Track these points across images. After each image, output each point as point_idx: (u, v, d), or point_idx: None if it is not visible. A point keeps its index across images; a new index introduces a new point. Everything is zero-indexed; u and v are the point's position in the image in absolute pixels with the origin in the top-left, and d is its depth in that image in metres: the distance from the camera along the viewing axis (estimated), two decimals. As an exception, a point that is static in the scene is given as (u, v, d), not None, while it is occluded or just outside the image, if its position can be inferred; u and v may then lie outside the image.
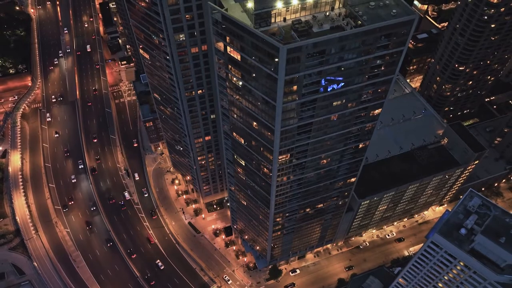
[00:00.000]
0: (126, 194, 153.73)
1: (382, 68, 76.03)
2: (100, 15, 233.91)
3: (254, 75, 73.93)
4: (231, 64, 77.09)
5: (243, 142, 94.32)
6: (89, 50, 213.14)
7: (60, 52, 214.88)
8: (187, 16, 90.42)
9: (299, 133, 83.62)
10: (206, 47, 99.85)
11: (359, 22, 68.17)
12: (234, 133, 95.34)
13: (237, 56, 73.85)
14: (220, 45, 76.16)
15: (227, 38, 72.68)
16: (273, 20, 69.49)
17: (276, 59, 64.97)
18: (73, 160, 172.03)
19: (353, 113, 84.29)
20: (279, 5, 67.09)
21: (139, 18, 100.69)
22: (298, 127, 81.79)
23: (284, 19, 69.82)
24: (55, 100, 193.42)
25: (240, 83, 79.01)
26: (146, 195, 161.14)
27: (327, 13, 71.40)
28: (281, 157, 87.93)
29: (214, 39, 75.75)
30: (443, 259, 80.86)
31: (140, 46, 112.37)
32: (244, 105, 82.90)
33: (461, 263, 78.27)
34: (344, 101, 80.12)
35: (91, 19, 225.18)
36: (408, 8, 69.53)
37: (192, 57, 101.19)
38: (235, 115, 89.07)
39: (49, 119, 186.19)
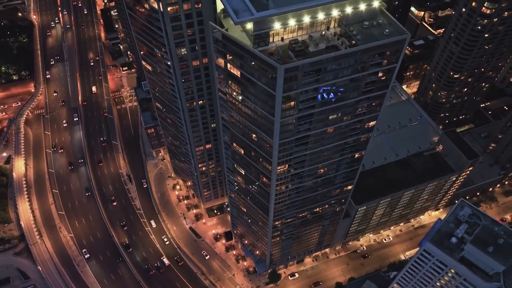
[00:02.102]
0: (165, 260, 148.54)
1: (376, 84, 79.30)
2: (101, 21, 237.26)
3: (253, 91, 77.16)
4: (231, 79, 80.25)
5: (242, 152, 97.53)
6: (92, 63, 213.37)
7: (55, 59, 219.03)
8: (188, 31, 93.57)
9: (297, 145, 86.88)
10: (207, 60, 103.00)
11: (353, 41, 71.42)
12: (234, 144, 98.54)
13: (237, 73, 77.05)
14: (221, 61, 79.25)
15: (227, 55, 75.84)
16: (271, 39, 72.65)
17: (274, 78, 68.26)
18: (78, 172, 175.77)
19: (348, 125, 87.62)
20: (277, 26, 70.19)
21: (142, 32, 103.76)
22: (296, 139, 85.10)
23: (282, 39, 73.01)
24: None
25: (240, 97, 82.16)
26: (168, 242, 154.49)
27: (323, 32, 74.58)
28: (279, 167, 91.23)
29: (215, 55, 78.88)
30: (435, 266, 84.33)
31: (141, 53, 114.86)
32: (243, 118, 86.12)
33: (452, 271, 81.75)
34: (339, 114, 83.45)
35: (97, 57, 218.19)
36: (401, 27, 72.78)
37: (193, 70, 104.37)
38: (235, 127, 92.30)
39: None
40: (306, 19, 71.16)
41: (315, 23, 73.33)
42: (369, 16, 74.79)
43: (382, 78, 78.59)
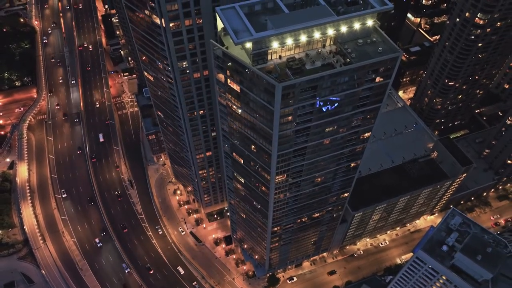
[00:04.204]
0: None
1: (370, 98, 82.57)
2: (102, 26, 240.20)
3: (252, 105, 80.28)
4: (231, 94, 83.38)
5: (242, 162, 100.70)
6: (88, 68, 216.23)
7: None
8: (189, 46, 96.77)
9: (294, 156, 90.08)
10: (208, 72, 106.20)
11: (348, 59, 74.58)
12: (234, 153, 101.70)
13: (237, 88, 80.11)
14: (221, 76, 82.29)
15: (227, 71, 79.00)
16: (269, 57, 75.63)
17: (273, 94, 71.47)
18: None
19: (344, 137, 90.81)
20: (275, 45, 73.25)
21: (144, 44, 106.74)
22: (294, 151, 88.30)
23: (280, 57, 76.01)
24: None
25: (239, 111, 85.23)
26: (197, 287, 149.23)
27: (319, 50, 77.64)
28: (278, 177, 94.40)
29: (215, 71, 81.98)
30: (427, 273, 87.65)
31: (143, 59, 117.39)
32: (243, 130, 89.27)
33: (444, 277, 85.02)
34: (335, 127, 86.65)
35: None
36: (393, 45, 75.97)
37: (194, 81, 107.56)
38: (234, 138, 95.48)
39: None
40: (303, 38, 74.20)
41: (311, 41, 76.25)
42: (363, 34, 77.84)
43: (376, 93, 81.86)
